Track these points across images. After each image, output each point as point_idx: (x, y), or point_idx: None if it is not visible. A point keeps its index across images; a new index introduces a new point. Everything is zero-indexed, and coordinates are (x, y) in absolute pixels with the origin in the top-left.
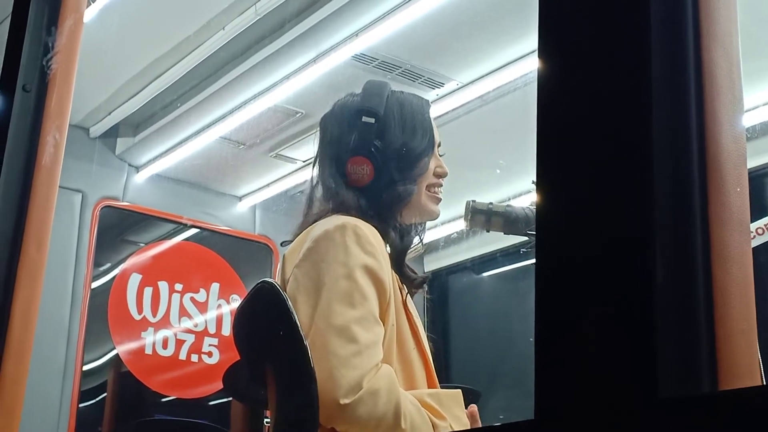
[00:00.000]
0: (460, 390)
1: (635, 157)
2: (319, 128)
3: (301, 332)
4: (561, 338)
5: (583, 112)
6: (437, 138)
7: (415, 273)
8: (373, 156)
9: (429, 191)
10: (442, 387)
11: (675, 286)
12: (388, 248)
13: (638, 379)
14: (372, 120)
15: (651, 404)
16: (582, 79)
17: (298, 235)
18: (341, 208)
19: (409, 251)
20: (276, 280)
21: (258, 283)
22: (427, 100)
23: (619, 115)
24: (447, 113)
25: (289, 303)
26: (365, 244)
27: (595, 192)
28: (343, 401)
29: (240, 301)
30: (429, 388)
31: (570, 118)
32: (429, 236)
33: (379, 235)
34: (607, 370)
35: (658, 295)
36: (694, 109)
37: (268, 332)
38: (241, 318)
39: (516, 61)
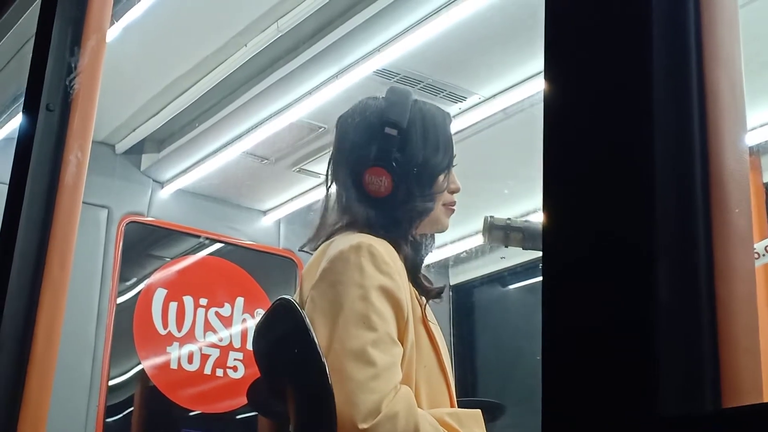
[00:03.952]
0: (480, 410)
1: (638, 176)
2: (336, 128)
3: (319, 349)
4: (565, 357)
5: (586, 131)
6: (455, 152)
7: (431, 283)
8: (392, 169)
9: (444, 206)
10: (463, 400)
11: (678, 305)
12: (403, 261)
13: (641, 398)
14: (394, 132)
15: (654, 423)
16: (585, 98)
17: (314, 243)
18: (354, 221)
19: (423, 262)
20: (295, 298)
21: (276, 301)
22: (449, 113)
23: (621, 135)
24: (469, 127)
25: (307, 320)
26: (381, 264)
27: (597, 212)
28: (362, 426)
29: (259, 318)
30: (448, 403)
31: (573, 136)
32: (453, 250)
33: (394, 251)
34: (610, 389)
35: (662, 314)
36: (697, 129)
37: (286, 349)
38: (259, 335)
39: (537, 74)
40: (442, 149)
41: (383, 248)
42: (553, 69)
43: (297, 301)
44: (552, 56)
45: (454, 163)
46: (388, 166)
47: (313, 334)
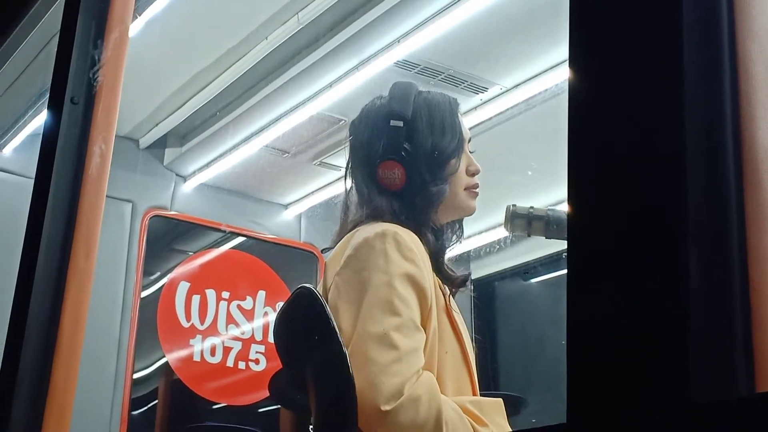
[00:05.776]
0: (501, 399)
1: (668, 155)
2: (349, 133)
3: (340, 337)
4: (593, 342)
5: (615, 109)
6: (466, 135)
7: (455, 272)
8: (404, 159)
9: (467, 191)
10: (485, 393)
11: (710, 288)
12: (427, 250)
13: (671, 383)
14: (400, 123)
15: (686, 409)
16: (614, 74)
17: (338, 241)
18: (376, 214)
19: (447, 250)
20: (318, 287)
21: (296, 289)
22: (455, 99)
23: (651, 113)
24: (491, 118)
25: (328, 308)
26: (405, 250)
27: (627, 192)
28: (384, 408)
29: (280, 307)
30: (471, 392)
31: (601, 116)
32: (474, 243)
33: (418, 239)
34: (640, 374)
35: (693, 298)
36: (729, 105)
37: (307, 337)
38: (280, 324)
39: (560, 64)
40: (449, 133)
41: (408, 236)
42: (579, 48)
43: (321, 288)
44: (578, 35)
45: (471, 149)
46: (399, 157)
47: (334, 323)
